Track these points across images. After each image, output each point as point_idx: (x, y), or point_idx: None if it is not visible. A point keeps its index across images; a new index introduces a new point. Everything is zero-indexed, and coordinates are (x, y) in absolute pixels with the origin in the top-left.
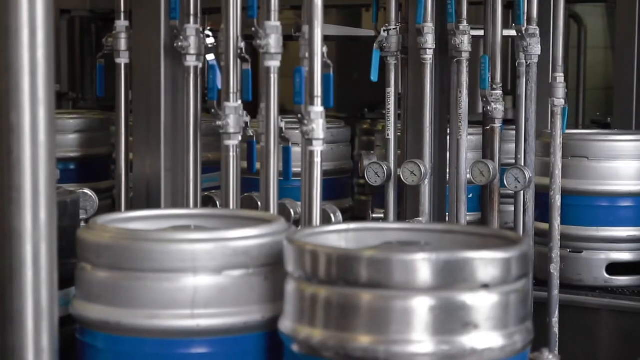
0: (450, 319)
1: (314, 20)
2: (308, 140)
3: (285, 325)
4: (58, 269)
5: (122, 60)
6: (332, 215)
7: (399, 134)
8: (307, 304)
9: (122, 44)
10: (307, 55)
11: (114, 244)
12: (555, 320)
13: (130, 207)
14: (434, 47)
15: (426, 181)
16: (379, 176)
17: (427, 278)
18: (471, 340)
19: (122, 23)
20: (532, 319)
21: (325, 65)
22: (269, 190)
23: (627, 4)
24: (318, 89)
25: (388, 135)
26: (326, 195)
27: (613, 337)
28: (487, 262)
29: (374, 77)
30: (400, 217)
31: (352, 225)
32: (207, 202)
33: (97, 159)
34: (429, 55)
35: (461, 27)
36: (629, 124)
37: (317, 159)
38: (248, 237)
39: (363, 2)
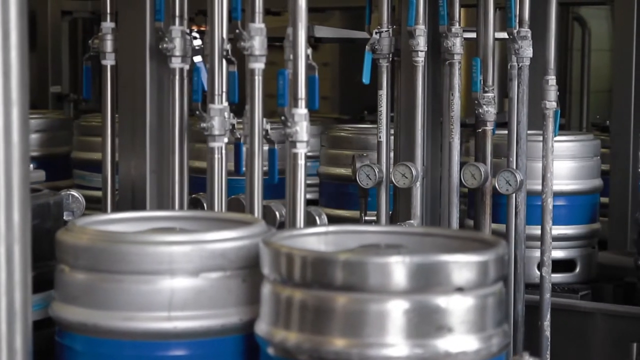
0: (424, 323)
1: (298, 22)
2: (292, 143)
3: (261, 328)
4: (40, 271)
5: (108, 62)
6: (317, 218)
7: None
8: (283, 307)
9: (108, 45)
10: (291, 57)
11: (92, 246)
12: (546, 323)
13: (117, 209)
14: (426, 49)
15: (418, 184)
16: (370, 179)
17: (401, 281)
18: (445, 343)
19: (107, 25)
20: (524, 323)
21: (310, 68)
22: (253, 193)
23: (625, 6)
24: (302, 91)
25: (380, 137)
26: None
27: (605, 340)
28: (461, 266)
29: (366, 79)
30: (394, 219)
31: (331, 228)
32: (196, 204)
33: (57, 159)
34: (420, 58)
35: (453, 30)
36: (627, 126)
37: (301, 161)
38: (225, 240)
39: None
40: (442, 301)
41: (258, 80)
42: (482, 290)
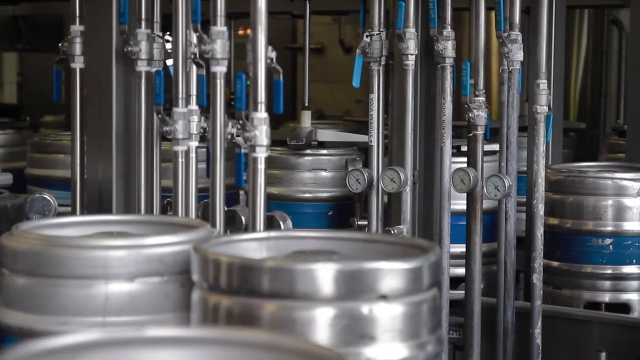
0: (347, 330)
1: (258, 25)
2: (251, 147)
3: None
4: None
5: (77, 64)
6: (281, 223)
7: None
8: (210, 314)
9: (77, 48)
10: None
11: (28, 250)
12: (537, 331)
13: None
14: (417, 52)
15: (407, 188)
16: (359, 183)
17: (325, 289)
18: (369, 351)
19: (76, 27)
20: (515, 330)
21: (274, 71)
22: (216, 197)
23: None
24: (262, 95)
25: (371, 141)
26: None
27: (598, 348)
28: (384, 273)
29: (356, 82)
30: (387, 224)
31: (273, 234)
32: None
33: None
34: (410, 61)
35: (444, 33)
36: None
37: (261, 166)
38: (162, 245)
39: None
40: (365, 309)
41: (220, 84)
42: (410, 298)
